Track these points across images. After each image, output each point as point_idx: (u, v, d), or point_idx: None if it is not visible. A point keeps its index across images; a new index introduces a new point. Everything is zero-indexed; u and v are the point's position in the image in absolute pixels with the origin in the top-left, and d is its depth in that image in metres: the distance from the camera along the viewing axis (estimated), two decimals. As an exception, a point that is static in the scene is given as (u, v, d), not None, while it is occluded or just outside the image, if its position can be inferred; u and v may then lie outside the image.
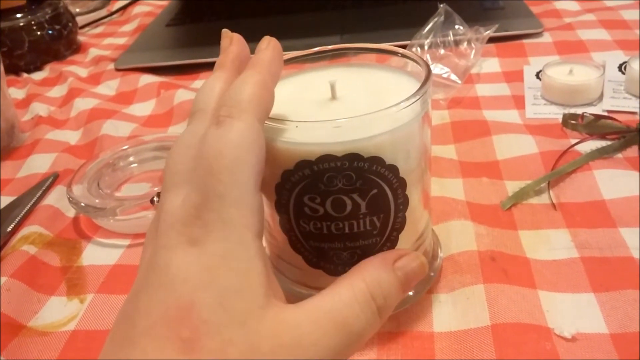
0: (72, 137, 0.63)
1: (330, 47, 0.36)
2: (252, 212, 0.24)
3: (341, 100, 0.32)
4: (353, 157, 0.28)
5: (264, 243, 0.26)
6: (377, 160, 0.29)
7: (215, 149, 0.24)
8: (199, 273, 0.23)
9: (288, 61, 0.35)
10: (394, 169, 0.30)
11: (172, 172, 0.26)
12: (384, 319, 0.26)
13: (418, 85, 0.30)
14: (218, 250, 0.23)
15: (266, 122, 0.29)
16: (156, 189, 0.47)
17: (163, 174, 0.26)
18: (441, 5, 0.63)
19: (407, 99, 0.29)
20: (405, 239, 0.33)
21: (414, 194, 0.32)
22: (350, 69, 0.36)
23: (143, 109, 0.67)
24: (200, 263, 0.23)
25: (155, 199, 0.44)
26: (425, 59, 0.34)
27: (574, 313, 0.33)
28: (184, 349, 0.22)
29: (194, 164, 0.25)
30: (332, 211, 0.30)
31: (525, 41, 0.67)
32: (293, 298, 0.35)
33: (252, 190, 0.24)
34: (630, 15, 0.71)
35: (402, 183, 0.30)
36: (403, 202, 0.31)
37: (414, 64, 0.33)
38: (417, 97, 0.29)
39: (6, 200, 0.52)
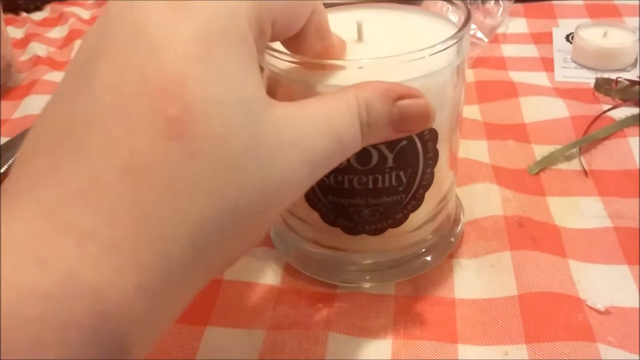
0: (72, 79, 0.60)
1: (358, -15, 0.33)
2: None
3: (368, 43, 0.29)
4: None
5: None
6: (408, 108, 0.26)
7: None
8: (190, 40, 0.18)
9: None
10: (426, 119, 0.27)
11: None
12: (361, 146, 0.23)
13: (454, 31, 0.28)
14: (211, 17, 0.18)
15: (281, 60, 0.26)
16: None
17: None
18: (468, -40, 0.60)
19: (444, 41, 0.26)
20: (430, 198, 0.30)
21: (443, 150, 0.29)
22: (380, 11, 0.33)
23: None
24: (192, 26, 0.18)
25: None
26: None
27: (607, 285, 0.31)
28: (170, 131, 0.17)
29: None
30: (356, 163, 0.27)
31: (555, 2, 0.64)
32: (303, 257, 0.33)
33: None
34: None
35: (434, 135, 0.28)
36: (432, 157, 0.29)
37: (452, 8, 0.30)
38: (455, 40, 0.27)
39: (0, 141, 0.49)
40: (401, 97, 0.23)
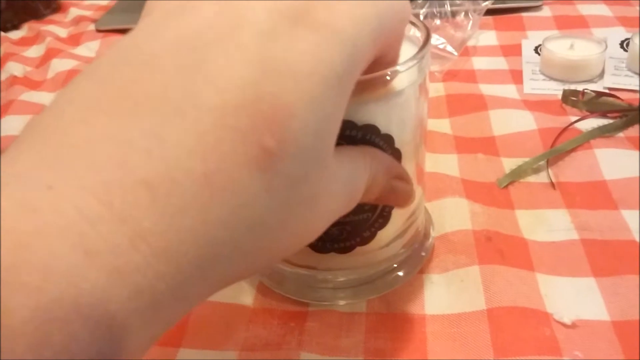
0: (48, 98, 0.59)
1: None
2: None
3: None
4: (345, 125, 0.26)
5: None
6: (371, 129, 0.26)
7: None
8: (314, 76, 0.18)
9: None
10: (389, 139, 0.27)
11: None
12: None
13: (415, 50, 0.28)
14: (340, 58, 0.18)
15: None
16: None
17: None
18: (439, -26, 0.61)
19: (404, 62, 0.27)
20: (397, 216, 0.31)
21: (408, 168, 0.29)
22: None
23: (123, 72, 0.63)
24: (320, 62, 0.18)
25: None
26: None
27: (574, 298, 0.31)
28: (260, 160, 0.17)
29: None
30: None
31: (523, 14, 0.65)
32: (276, 276, 0.34)
33: None
34: (631, -9, 0.68)
35: (397, 155, 0.28)
36: (398, 176, 0.29)
37: (412, 28, 0.31)
38: (415, 61, 0.27)
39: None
40: (396, 177, 0.26)
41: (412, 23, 0.31)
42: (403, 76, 0.27)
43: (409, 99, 0.28)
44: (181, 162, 0.16)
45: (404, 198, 0.28)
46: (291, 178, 0.18)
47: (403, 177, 0.27)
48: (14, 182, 0.15)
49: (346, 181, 0.22)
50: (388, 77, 0.26)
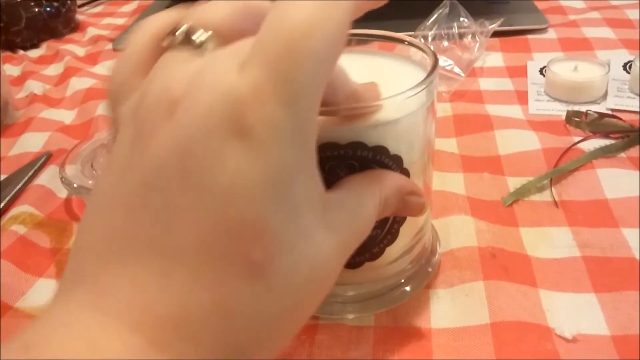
0: (66, 116, 0.61)
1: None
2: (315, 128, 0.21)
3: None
4: (356, 146, 0.27)
5: None
6: (381, 150, 0.28)
7: (302, 22, 0.19)
8: (267, 185, 0.19)
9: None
10: (397, 159, 0.29)
11: None
12: None
13: (423, 74, 0.30)
14: (282, 157, 0.19)
15: None
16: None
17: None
18: (446, -3, 0.62)
19: (414, 87, 0.28)
20: (405, 232, 0.32)
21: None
22: (353, 56, 0.35)
23: (140, 91, 0.65)
24: (267, 170, 0.19)
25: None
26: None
27: (575, 313, 0.32)
28: (255, 272, 0.19)
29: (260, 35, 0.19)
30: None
31: (529, 37, 0.66)
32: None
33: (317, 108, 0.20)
34: (635, 14, 0.70)
35: (406, 174, 0.30)
36: (405, 194, 0.30)
37: (420, 53, 0.33)
38: (424, 85, 0.28)
39: (-3, 178, 0.51)
40: (409, 193, 0.28)
41: (421, 49, 0.32)
42: (412, 100, 0.28)
43: (418, 122, 0.30)
44: (190, 298, 0.19)
45: (417, 209, 0.29)
46: (286, 270, 0.20)
47: (415, 192, 0.29)
48: (76, 324, 0.19)
49: (350, 218, 0.24)
50: (399, 101, 0.27)
